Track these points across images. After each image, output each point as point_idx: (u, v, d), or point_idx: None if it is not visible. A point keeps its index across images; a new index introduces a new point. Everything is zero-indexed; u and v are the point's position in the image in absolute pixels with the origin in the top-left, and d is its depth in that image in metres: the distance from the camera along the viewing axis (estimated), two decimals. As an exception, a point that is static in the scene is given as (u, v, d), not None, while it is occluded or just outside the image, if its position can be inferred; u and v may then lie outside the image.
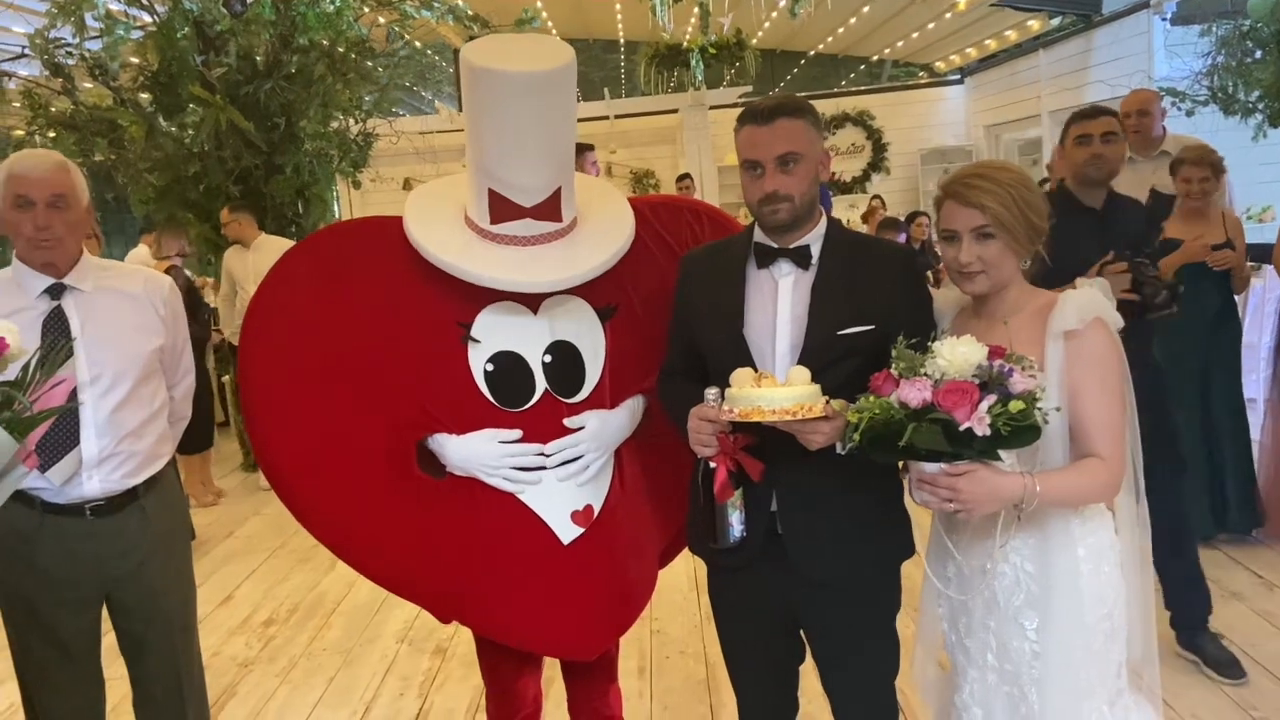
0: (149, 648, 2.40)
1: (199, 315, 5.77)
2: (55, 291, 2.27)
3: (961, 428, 1.59)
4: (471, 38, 6.10)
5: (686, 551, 2.28)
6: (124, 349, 2.30)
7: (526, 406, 2.04)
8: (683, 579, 4.19)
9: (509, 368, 2.03)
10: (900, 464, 1.82)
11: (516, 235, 2.01)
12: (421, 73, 8.42)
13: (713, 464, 1.86)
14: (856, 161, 13.19)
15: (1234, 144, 5.45)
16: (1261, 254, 4.42)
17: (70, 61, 6.54)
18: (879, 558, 1.97)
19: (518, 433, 2.03)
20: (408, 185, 9.82)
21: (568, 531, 2.05)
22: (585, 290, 2.06)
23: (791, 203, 1.84)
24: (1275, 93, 6.10)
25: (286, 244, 4.65)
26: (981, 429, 1.59)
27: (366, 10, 7.19)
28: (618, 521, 2.12)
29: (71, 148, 6.40)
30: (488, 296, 2.01)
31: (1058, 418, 1.73)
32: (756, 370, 1.82)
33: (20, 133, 7.29)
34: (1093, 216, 2.95)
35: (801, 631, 2.03)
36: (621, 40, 14.80)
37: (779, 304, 1.89)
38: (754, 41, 12.55)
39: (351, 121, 7.35)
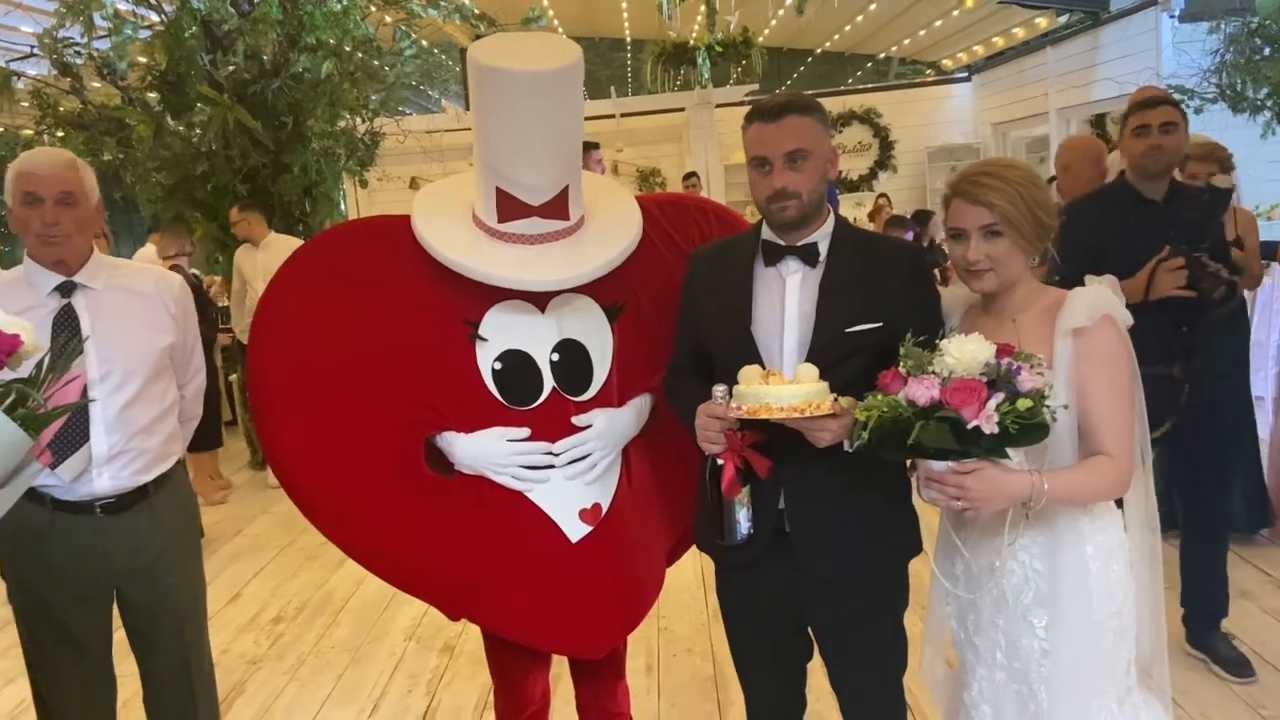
0: (159, 644, 2.41)
1: (206, 314, 5.79)
2: (66, 289, 2.28)
3: (969, 426, 1.59)
4: (478, 36, 6.12)
5: (694, 550, 2.28)
6: (134, 347, 2.31)
7: (534, 405, 2.04)
8: (690, 577, 4.20)
9: (517, 366, 2.03)
10: (908, 462, 1.83)
11: (524, 234, 2.01)
12: (428, 71, 8.44)
13: (720, 461, 1.86)
14: (863, 160, 13.16)
15: (1242, 141, 5.43)
16: (1270, 251, 4.40)
17: (79, 61, 6.56)
18: (886, 555, 1.97)
19: (525, 431, 2.03)
20: (414, 184, 9.83)
21: (576, 530, 2.05)
22: (593, 289, 2.07)
23: (800, 200, 1.84)
24: (1284, 90, 6.07)
25: (296, 243, 4.66)
26: (989, 427, 1.58)
27: (373, 9, 7.20)
28: (625, 520, 2.12)
29: (80, 147, 6.41)
30: (496, 295, 2.01)
31: (1066, 416, 1.73)
32: (764, 368, 1.82)
33: (29, 132, 7.32)
34: (1153, 208, 2.91)
35: (809, 629, 2.03)
36: (628, 38, 14.80)
37: (787, 301, 1.90)
38: (760, 39, 12.53)
39: (358, 120, 7.36)
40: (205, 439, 5.73)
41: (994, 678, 1.92)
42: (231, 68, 6.40)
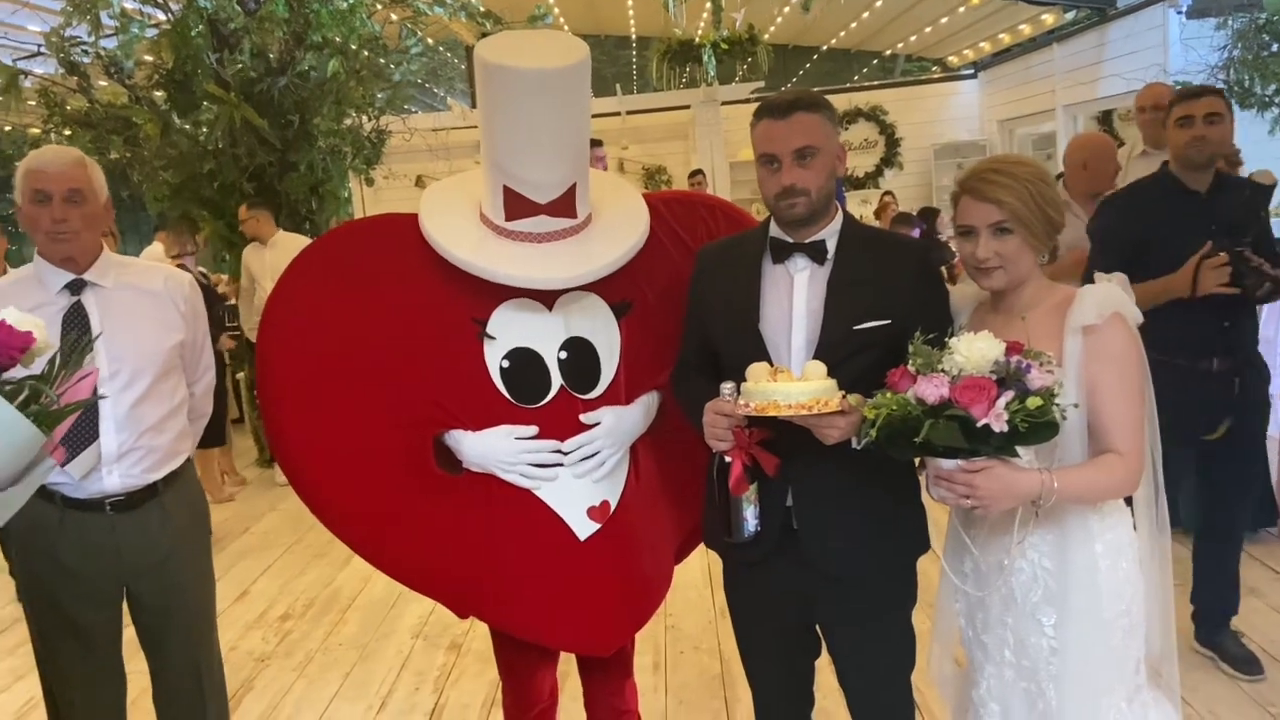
0: (169, 642, 2.42)
1: (213, 312, 5.79)
2: (75, 287, 2.28)
3: (979, 424, 1.59)
4: (484, 34, 6.11)
5: (701, 548, 2.28)
6: (143, 344, 2.31)
7: (542, 403, 2.04)
8: (697, 575, 4.20)
9: (524, 364, 2.03)
10: (917, 460, 1.82)
11: (531, 232, 2.01)
12: (434, 70, 8.43)
13: (728, 458, 1.86)
14: (869, 157, 13.14)
15: (1250, 138, 5.42)
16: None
17: (86, 59, 6.58)
18: (894, 553, 1.97)
19: (533, 429, 2.03)
20: (420, 182, 9.83)
21: (584, 527, 2.05)
22: (600, 286, 2.07)
23: (808, 197, 1.84)
24: (1292, 86, 6.06)
25: (304, 241, 4.67)
26: (999, 425, 1.58)
27: (379, 7, 7.21)
28: (633, 517, 2.12)
29: (87, 145, 6.43)
30: (503, 293, 2.02)
31: (1076, 414, 1.72)
32: (772, 365, 1.82)
33: (36, 130, 7.35)
34: (1197, 200, 2.88)
35: (817, 626, 2.03)
36: (633, 36, 14.77)
37: (794, 299, 1.89)
38: (766, 37, 12.50)
39: (364, 119, 7.37)
40: (210, 436, 5.75)
41: (1002, 675, 1.92)
42: (238, 66, 6.41)
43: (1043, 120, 11.48)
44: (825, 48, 14.90)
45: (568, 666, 2.53)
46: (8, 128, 7.74)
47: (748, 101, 11.60)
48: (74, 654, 2.34)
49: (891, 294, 1.86)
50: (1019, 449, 1.65)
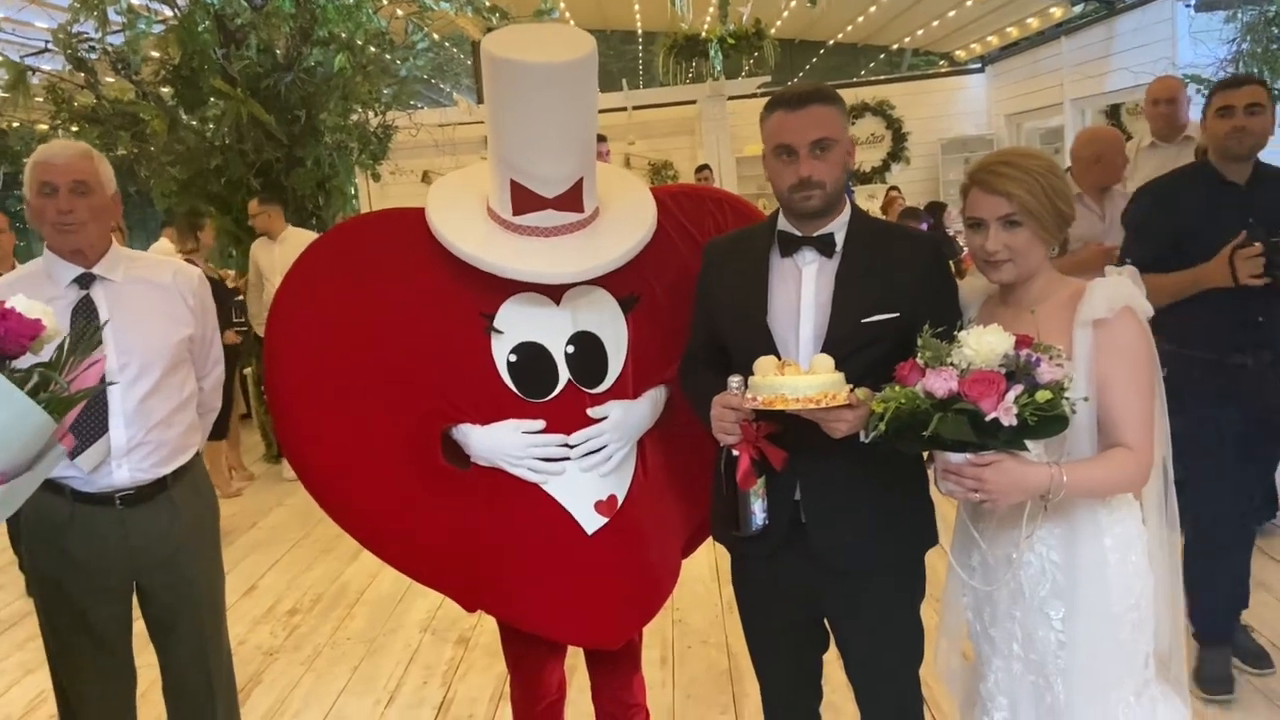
0: (178, 636, 2.43)
1: (224, 307, 5.80)
2: (84, 281, 2.29)
3: (988, 418, 1.58)
4: (490, 29, 6.11)
5: (709, 542, 2.29)
6: (152, 338, 2.32)
7: (549, 397, 2.04)
8: (705, 570, 4.20)
9: (532, 358, 2.03)
10: (925, 454, 1.82)
11: (539, 226, 2.01)
12: (440, 65, 8.44)
13: (735, 452, 1.85)
14: (876, 151, 13.11)
15: (1260, 132, 5.38)
16: None
17: (93, 56, 6.59)
18: (902, 546, 1.96)
19: (541, 423, 2.03)
20: (427, 178, 9.85)
21: (591, 521, 2.05)
22: (607, 280, 2.07)
23: (824, 190, 1.84)
24: (1302, 79, 6.03)
25: (313, 237, 4.67)
26: (1008, 419, 1.58)
27: (385, 2, 7.21)
28: (641, 511, 2.12)
29: (95, 141, 6.44)
30: (510, 287, 2.02)
31: (1085, 408, 1.72)
32: (780, 358, 1.81)
33: (44, 127, 7.36)
34: (1236, 192, 2.84)
35: (825, 620, 2.03)
36: (639, 31, 14.74)
37: (803, 292, 1.89)
38: (773, 31, 12.48)
39: (371, 114, 7.37)
40: (214, 429, 5.76)
41: (1010, 669, 1.91)
42: (245, 62, 6.41)
43: (1050, 114, 11.44)
44: (832, 42, 14.86)
45: (576, 660, 2.54)
46: (16, 124, 7.76)
47: (754, 96, 11.59)
48: (84, 648, 2.35)
49: (900, 287, 1.85)
50: (1028, 443, 1.65)
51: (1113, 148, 3.86)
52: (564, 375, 2.04)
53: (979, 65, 13.35)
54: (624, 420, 2.07)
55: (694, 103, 12.41)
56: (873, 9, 12.13)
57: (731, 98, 12.07)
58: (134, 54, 6.46)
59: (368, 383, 2.05)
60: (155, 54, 6.87)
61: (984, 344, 1.62)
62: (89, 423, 2.22)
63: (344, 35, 6.65)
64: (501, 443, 2.04)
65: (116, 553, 2.31)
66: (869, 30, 13.84)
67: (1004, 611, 1.90)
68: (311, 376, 2.07)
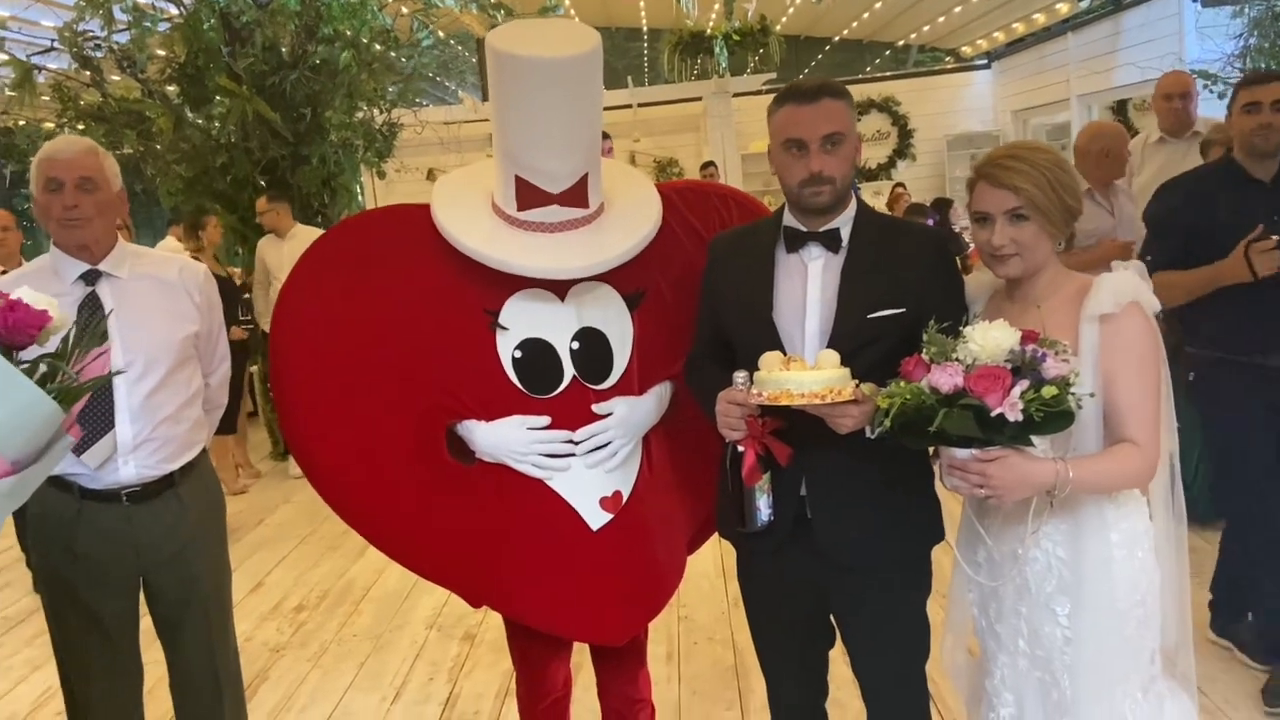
0: (185, 632, 2.43)
1: (232, 305, 5.82)
2: (90, 277, 2.29)
3: (993, 413, 1.58)
4: (495, 26, 6.10)
5: (714, 539, 2.28)
6: (157, 334, 2.32)
7: (554, 393, 2.04)
8: (710, 566, 4.20)
9: (537, 354, 2.03)
10: (931, 449, 1.81)
11: (544, 222, 2.01)
12: (445, 63, 8.44)
13: (741, 448, 1.85)
14: (882, 148, 13.10)
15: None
16: None
17: (99, 54, 6.60)
18: (908, 542, 1.96)
19: (546, 419, 2.03)
20: (432, 176, 9.84)
21: (596, 518, 2.05)
22: (613, 276, 2.06)
23: (834, 184, 1.83)
24: (1310, 74, 5.99)
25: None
26: (1014, 414, 1.57)
27: (390, 0, 7.21)
28: (646, 507, 2.12)
29: (101, 140, 6.44)
30: (515, 283, 2.02)
31: (1092, 403, 1.71)
32: (785, 354, 1.81)
33: (50, 125, 7.38)
34: (1261, 189, 2.81)
35: (831, 616, 2.03)
36: (644, 28, 14.73)
37: (808, 287, 1.89)
38: (778, 28, 12.46)
39: (376, 112, 7.38)
40: (222, 424, 5.77)
41: (1016, 665, 1.91)
42: (250, 60, 6.42)
43: (1057, 110, 11.42)
44: (838, 39, 14.82)
45: (582, 656, 2.54)
46: (22, 123, 7.78)
47: (760, 93, 11.58)
48: (91, 644, 2.35)
49: (906, 282, 1.85)
50: (1034, 438, 1.64)
51: (1119, 142, 3.85)
52: (569, 371, 2.04)
53: (985, 61, 13.32)
54: (629, 416, 2.07)
55: (699, 100, 12.40)
56: (878, 5, 12.11)
57: (737, 94, 12.06)
58: (139, 52, 6.47)
59: (373, 379, 2.05)
60: (161, 52, 6.88)
61: (989, 339, 1.61)
62: (95, 419, 2.22)
63: (349, 33, 6.65)
64: (506, 439, 2.03)
65: (123, 549, 2.31)
66: (874, 26, 13.81)
67: (1010, 607, 1.89)
68: (316, 372, 2.07)
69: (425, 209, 2.10)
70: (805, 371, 1.71)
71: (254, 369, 6.95)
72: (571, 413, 2.04)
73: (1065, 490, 1.69)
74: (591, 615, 2.09)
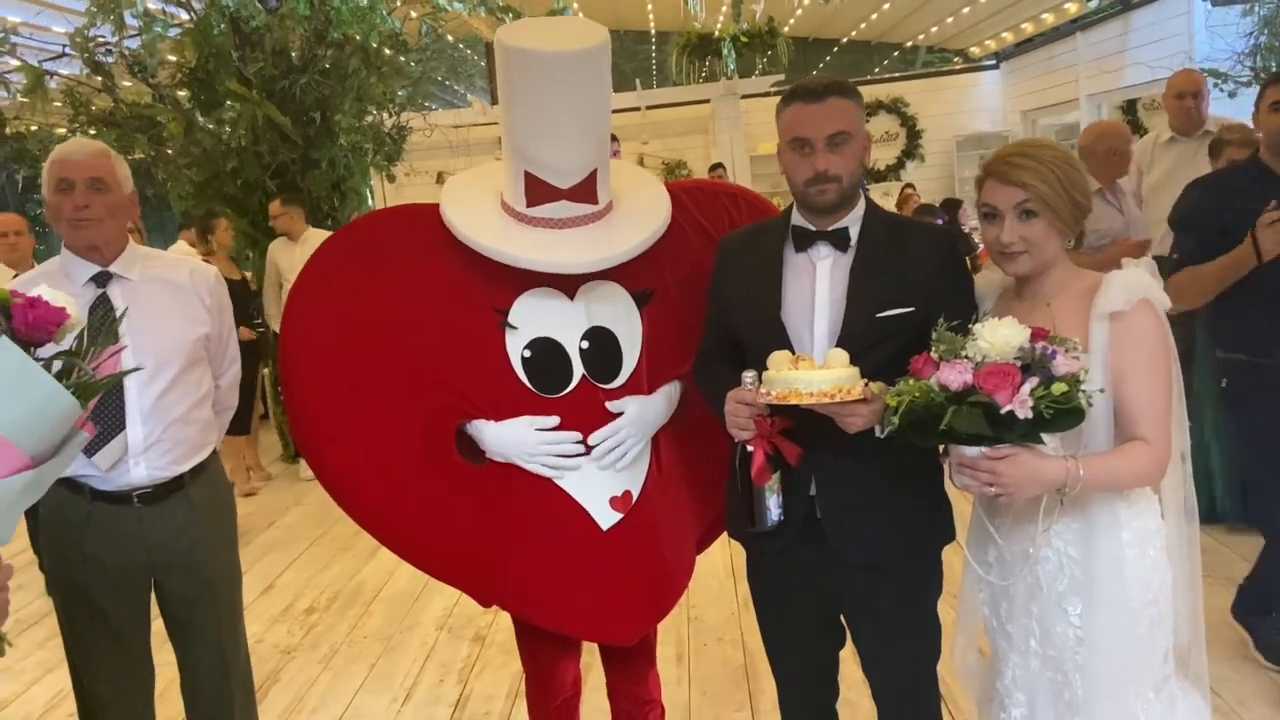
0: (196, 633, 2.44)
1: (245, 308, 5.84)
2: (101, 279, 2.31)
3: (1003, 411, 1.57)
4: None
5: (723, 539, 2.28)
6: (168, 336, 2.33)
7: (564, 393, 2.04)
8: (720, 566, 4.19)
9: (546, 354, 2.03)
10: (940, 448, 1.81)
11: (553, 218, 2.01)
12: (454, 66, 8.46)
13: (750, 448, 1.85)
14: (890, 149, 13.08)
15: (1279, 125, 5.33)
16: None
17: (110, 59, 6.64)
18: (919, 542, 1.95)
19: (555, 420, 2.03)
20: (441, 179, 9.85)
21: (606, 517, 2.05)
22: (621, 275, 2.06)
23: (840, 183, 1.83)
24: (1321, 72, 5.96)
25: (333, 238, 4.69)
26: (1023, 412, 1.56)
27: (399, 4, 7.23)
28: (656, 507, 2.12)
29: (112, 144, 6.44)
30: (525, 283, 2.02)
31: (1102, 401, 1.70)
32: (794, 353, 1.81)
33: (62, 130, 7.41)
34: None
35: (841, 616, 2.02)
36: (653, 31, 14.74)
37: (817, 287, 1.88)
38: (786, 29, 12.46)
39: (385, 115, 7.40)
40: (234, 424, 5.78)
41: (1028, 665, 1.90)
42: (260, 64, 6.45)
43: (1066, 110, 11.38)
44: (846, 40, 14.82)
45: (591, 657, 2.54)
46: (34, 128, 7.83)
47: (768, 95, 11.58)
48: (103, 646, 2.36)
49: (915, 281, 1.84)
50: (1044, 436, 1.63)
51: (1124, 140, 3.86)
52: (578, 371, 2.04)
53: (994, 62, 13.29)
54: (639, 416, 2.07)
55: (707, 102, 12.41)
56: (886, 6, 12.09)
57: (745, 96, 12.07)
58: (150, 57, 6.51)
59: (382, 379, 2.05)
60: (171, 57, 6.92)
61: (999, 336, 1.61)
62: (106, 420, 2.23)
63: (358, 37, 6.68)
64: (515, 439, 2.04)
65: (134, 551, 2.32)
66: (883, 28, 13.80)
67: (1021, 607, 1.89)
68: (326, 373, 2.07)
69: (434, 208, 2.10)
70: (814, 371, 1.71)
71: (266, 371, 6.98)
72: (581, 412, 2.04)
73: (1076, 488, 1.68)
74: (601, 615, 2.09)
